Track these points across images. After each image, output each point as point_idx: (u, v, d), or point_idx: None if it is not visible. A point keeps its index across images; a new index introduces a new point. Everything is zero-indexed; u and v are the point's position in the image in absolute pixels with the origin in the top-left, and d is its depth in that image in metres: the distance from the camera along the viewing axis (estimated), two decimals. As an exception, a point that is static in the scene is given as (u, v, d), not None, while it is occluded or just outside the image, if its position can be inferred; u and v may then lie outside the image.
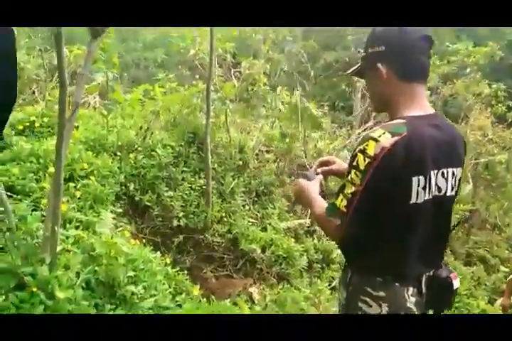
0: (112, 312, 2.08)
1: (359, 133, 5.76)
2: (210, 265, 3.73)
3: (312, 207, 1.66)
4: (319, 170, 1.81)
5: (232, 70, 4.65)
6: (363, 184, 1.38)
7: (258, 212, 4.37)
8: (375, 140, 1.36)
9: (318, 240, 4.56)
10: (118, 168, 3.47)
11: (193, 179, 3.97)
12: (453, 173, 1.51)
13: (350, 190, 1.41)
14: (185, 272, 3.17)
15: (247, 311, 2.91)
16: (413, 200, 1.40)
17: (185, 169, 3.94)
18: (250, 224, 4.06)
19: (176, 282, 2.70)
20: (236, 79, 4.63)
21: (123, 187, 3.43)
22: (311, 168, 1.89)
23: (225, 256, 3.78)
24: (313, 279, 4.20)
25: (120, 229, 2.80)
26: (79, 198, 2.94)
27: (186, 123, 4.16)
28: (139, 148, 3.73)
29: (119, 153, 3.58)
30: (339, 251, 4.78)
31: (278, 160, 5.20)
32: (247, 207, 4.25)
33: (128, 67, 13.22)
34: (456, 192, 1.56)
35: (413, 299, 1.51)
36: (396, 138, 1.35)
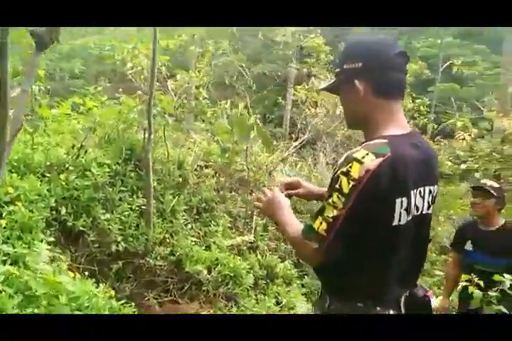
0: None
1: (295, 146, 5.79)
2: (152, 291, 3.50)
3: (285, 224, 1.56)
4: (285, 192, 1.72)
5: (169, 84, 4.47)
6: (347, 207, 1.32)
7: (200, 230, 4.20)
8: (359, 161, 1.31)
9: (261, 256, 4.47)
10: (47, 190, 3.15)
11: (131, 199, 3.72)
12: (430, 191, 1.48)
13: (331, 213, 1.35)
14: (126, 301, 2.93)
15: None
16: (395, 222, 1.37)
17: (122, 188, 3.67)
18: (193, 243, 3.88)
19: (122, 316, 2.46)
20: (173, 92, 4.45)
21: (53, 212, 3.12)
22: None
23: (169, 279, 3.56)
24: (259, 296, 4.10)
25: (58, 262, 2.52)
26: (4, 227, 2.61)
27: (122, 140, 3.90)
28: (71, 168, 3.43)
29: (48, 174, 3.25)
30: (282, 265, 4.75)
31: (217, 175, 5.07)
32: (189, 226, 4.07)
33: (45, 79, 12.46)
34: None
35: None
36: (380, 159, 1.30)
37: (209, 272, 3.67)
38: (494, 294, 2.76)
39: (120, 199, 3.60)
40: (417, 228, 1.46)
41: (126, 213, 3.56)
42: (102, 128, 3.98)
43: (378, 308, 1.44)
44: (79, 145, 3.45)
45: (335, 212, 1.34)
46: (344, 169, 1.32)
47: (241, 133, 4.52)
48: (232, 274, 3.76)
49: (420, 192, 1.44)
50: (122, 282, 3.40)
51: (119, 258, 3.41)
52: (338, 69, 1.52)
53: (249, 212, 4.78)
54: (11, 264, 2.30)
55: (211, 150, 5.28)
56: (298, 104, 7.28)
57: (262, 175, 5.34)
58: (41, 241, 2.56)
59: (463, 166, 5.29)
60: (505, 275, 2.85)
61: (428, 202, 1.48)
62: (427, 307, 1.54)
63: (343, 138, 6.64)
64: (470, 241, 3.48)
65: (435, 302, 5.40)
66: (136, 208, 3.68)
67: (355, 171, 1.30)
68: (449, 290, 3.85)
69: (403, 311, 1.48)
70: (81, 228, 3.21)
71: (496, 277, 2.86)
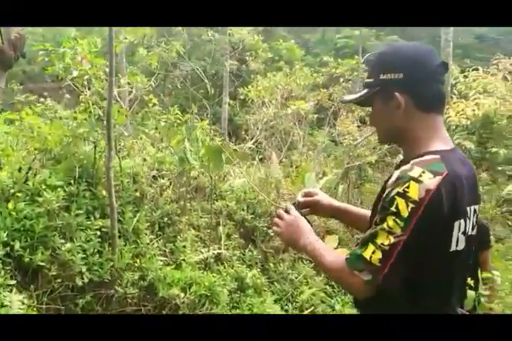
0: None
1: (250, 148, 5.62)
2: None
3: (316, 251, 1.38)
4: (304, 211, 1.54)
5: (115, 90, 4.07)
6: (407, 233, 1.18)
7: (165, 247, 3.90)
8: (417, 181, 1.18)
9: (231, 267, 4.27)
10: (-5, 223, 2.72)
11: (89, 222, 3.34)
12: (474, 211, 1.37)
13: (386, 240, 1.20)
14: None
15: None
16: (453, 248, 1.26)
17: (79, 212, 3.28)
18: (162, 264, 3.58)
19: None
20: (120, 99, 4.07)
21: (7, 248, 2.70)
22: None
23: (142, 308, 3.25)
24: (233, 311, 3.91)
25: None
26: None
27: (70, 157, 3.49)
28: (18, 194, 2.99)
29: (-6, 204, 2.81)
30: (250, 274, 4.58)
31: (172, 185, 4.76)
32: (155, 245, 3.75)
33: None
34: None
35: None
36: (439, 177, 1.19)
37: (184, 293, 3.41)
38: (485, 293, 2.80)
39: (79, 225, 3.22)
40: (468, 250, 1.34)
41: (87, 239, 3.18)
42: (46, 145, 3.52)
43: None
44: (26, 167, 3.01)
45: (391, 239, 1.19)
46: (400, 189, 1.19)
47: (215, 161, 4.22)
48: (208, 293, 3.52)
49: (471, 210, 1.33)
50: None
51: (85, 291, 3.05)
52: (371, 80, 1.38)
53: (213, 221, 4.55)
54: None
55: (162, 158, 4.96)
56: (247, 102, 7.12)
57: (220, 181, 5.13)
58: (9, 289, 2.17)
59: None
60: (494, 272, 2.90)
61: (472, 223, 1.35)
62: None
63: (297, 137, 6.60)
64: None
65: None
66: (97, 232, 3.32)
67: (415, 192, 1.17)
68: None
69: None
70: (40, 263, 2.81)
71: (485, 274, 2.90)
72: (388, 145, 7.60)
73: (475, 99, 5.07)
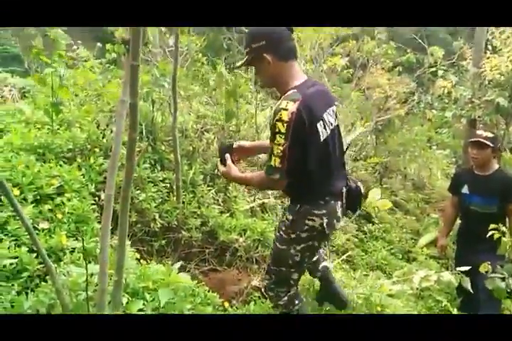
0: None
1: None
2: (190, 262, 3.59)
3: (247, 181, 2.33)
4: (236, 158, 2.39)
5: (166, 49, 4.26)
6: (288, 140, 1.94)
7: (219, 197, 4.26)
8: (284, 109, 1.93)
9: (275, 215, 4.64)
10: (82, 175, 3.05)
11: (154, 175, 3.69)
12: (333, 110, 2.19)
13: (278, 150, 1.96)
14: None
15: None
16: (322, 139, 2.07)
17: (145, 165, 3.63)
18: (220, 212, 3.96)
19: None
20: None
21: (95, 198, 3.06)
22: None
23: (206, 250, 3.67)
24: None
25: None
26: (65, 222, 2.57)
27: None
28: (96, 150, 3.32)
29: (79, 160, 3.14)
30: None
31: (216, 138, 5.04)
32: (210, 195, 4.11)
33: None
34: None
35: (340, 209, 2.25)
36: (297, 103, 1.95)
37: (241, 238, 3.81)
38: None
39: (148, 176, 3.56)
40: (333, 138, 2.17)
41: (156, 190, 3.55)
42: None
43: (332, 202, 2.18)
44: (105, 124, 3.31)
45: (281, 148, 1.95)
46: (277, 117, 1.93)
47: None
48: (261, 238, 3.91)
49: (328, 112, 2.13)
50: (163, 257, 3.47)
51: (157, 235, 3.45)
52: (247, 49, 2.08)
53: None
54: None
55: (205, 113, 5.21)
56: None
57: (260, 133, 5.39)
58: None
59: (448, 113, 5.59)
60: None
61: (330, 119, 2.13)
62: (360, 194, 2.34)
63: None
64: (466, 185, 3.82)
65: (423, 240, 5.86)
66: (161, 184, 3.67)
67: (285, 116, 1.92)
68: (447, 229, 4.24)
69: (344, 200, 2.26)
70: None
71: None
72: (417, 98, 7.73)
73: (509, 56, 5.13)
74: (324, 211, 2.15)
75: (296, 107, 1.92)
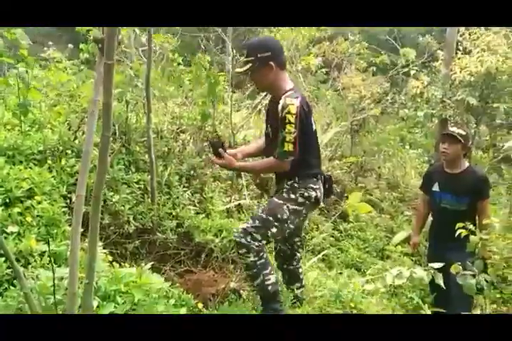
0: None
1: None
2: (166, 264, 3.57)
3: (252, 168, 2.88)
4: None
5: (140, 49, 4.22)
6: (297, 129, 2.46)
7: (194, 197, 4.24)
8: (292, 104, 2.46)
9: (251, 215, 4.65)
10: (53, 177, 3.00)
11: (128, 176, 3.66)
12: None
13: (290, 137, 2.45)
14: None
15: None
16: (314, 128, 2.72)
17: (119, 167, 3.59)
18: (195, 213, 3.94)
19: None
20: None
21: (67, 200, 3.01)
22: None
23: (181, 251, 3.65)
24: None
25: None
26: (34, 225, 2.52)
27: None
28: (67, 152, 3.26)
29: (50, 161, 3.08)
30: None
31: (192, 139, 5.02)
32: (186, 196, 4.09)
33: None
34: None
35: (322, 189, 2.75)
36: (298, 99, 2.51)
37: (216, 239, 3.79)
38: (485, 237, 3.08)
39: (121, 178, 3.53)
40: (316, 130, 2.80)
41: (129, 191, 3.51)
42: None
43: (319, 180, 2.73)
44: (76, 126, 3.26)
45: (292, 135, 2.45)
46: (286, 110, 2.45)
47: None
48: (237, 238, 3.90)
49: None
50: (137, 260, 3.44)
51: (132, 237, 3.42)
52: (252, 58, 2.51)
53: (233, 173, 4.87)
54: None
55: (181, 114, 5.17)
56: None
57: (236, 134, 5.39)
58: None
59: (420, 113, 5.70)
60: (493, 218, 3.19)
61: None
62: (332, 182, 2.85)
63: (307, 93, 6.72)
64: (437, 183, 3.90)
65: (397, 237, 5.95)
66: (135, 185, 3.64)
67: (293, 109, 2.46)
68: (420, 227, 4.32)
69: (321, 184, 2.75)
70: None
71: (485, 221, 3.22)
72: (391, 98, 7.85)
73: (479, 57, 5.27)
74: (318, 186, 2.68)
75: (299, 102, 2.47)
